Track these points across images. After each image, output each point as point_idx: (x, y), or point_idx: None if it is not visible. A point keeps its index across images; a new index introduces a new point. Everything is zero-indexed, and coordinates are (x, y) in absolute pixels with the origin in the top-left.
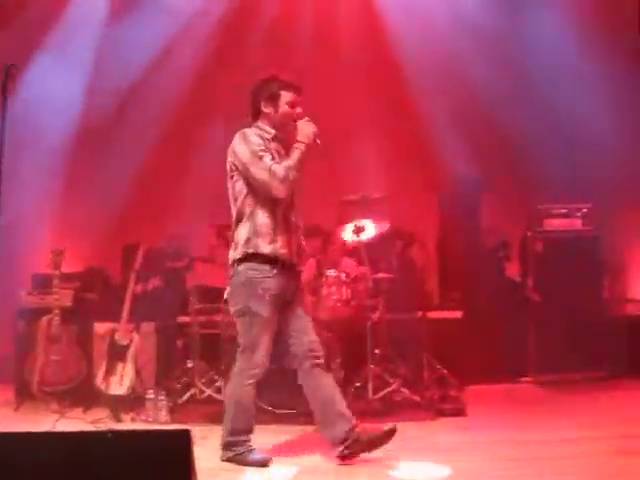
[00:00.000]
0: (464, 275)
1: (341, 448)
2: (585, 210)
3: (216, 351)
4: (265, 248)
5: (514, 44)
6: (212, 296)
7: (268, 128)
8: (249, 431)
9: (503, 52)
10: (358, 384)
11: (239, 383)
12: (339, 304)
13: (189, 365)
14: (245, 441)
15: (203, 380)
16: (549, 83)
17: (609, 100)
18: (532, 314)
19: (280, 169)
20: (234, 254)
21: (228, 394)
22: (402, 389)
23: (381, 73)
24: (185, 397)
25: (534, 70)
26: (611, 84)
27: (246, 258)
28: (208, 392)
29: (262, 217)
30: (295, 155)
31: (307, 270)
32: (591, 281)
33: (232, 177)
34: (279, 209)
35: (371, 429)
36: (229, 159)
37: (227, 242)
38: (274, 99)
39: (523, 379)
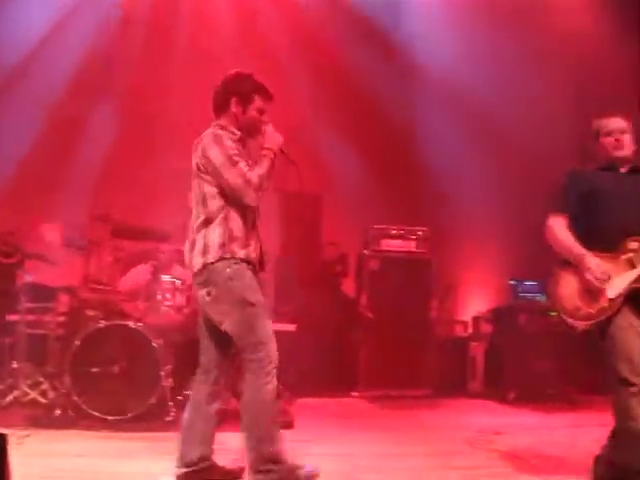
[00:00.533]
0: (300, 288)
1: (183, 470)
2: (420, 233)
3: (44, 352)
4: (240, 252)
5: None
6: (44, 295)
7: (234, 129)
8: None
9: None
10: (188, 392)
11: (262, 384)
12: (172, 310)
13: (14, 366)
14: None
15: (28, 382)
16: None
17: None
18: (364, 330)
19: (255, 177)
20: (204, 259)
21: (253, 403)
22: (232, 399)
23: None
24: (8, 399)
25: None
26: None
27: (220, 261)
28: (32, 395)
29: (236, 221)
30: (265, 163)
31: (141, 275)
32: (421, 302)
33: (199, 176)
34: (250, 213)
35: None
36: (196, 159)
37: (68, 242)
38: (246, 100)
39: (353, 393)
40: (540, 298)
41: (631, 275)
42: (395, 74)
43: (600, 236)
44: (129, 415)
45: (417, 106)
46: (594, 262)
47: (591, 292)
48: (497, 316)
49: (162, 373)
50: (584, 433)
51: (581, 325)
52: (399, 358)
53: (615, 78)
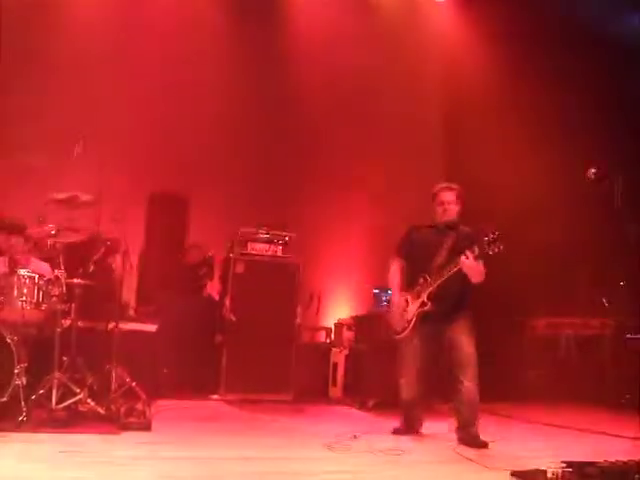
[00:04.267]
0: (163, 288)
1: None
2: (287, 238)
3: None
4: None
5: None
6: None
7: None
8: None
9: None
10: (42, 392)
11: None
12: (29, 306)
13: None
14: None
15: None
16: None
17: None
18: (227, 334)
19: None
20: None
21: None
22: (88, 400)
23: None
24: None
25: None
26: None
27: None
28: None
29: None
30: None
31: None
32: (286, 307)
33: None
34: None
35: None
36: None
37: None
38: None
39: (213, 396)
40: None
41: (417, 303)
42: (267, 71)
43: (411, 275)
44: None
45: (290, 108)
46: (398, 294)
47: (401, 315)
48: (359, 323)
49: (16, 370)
50: (442, 439)
51: (396, 337)
52: (261, 362)
53: None
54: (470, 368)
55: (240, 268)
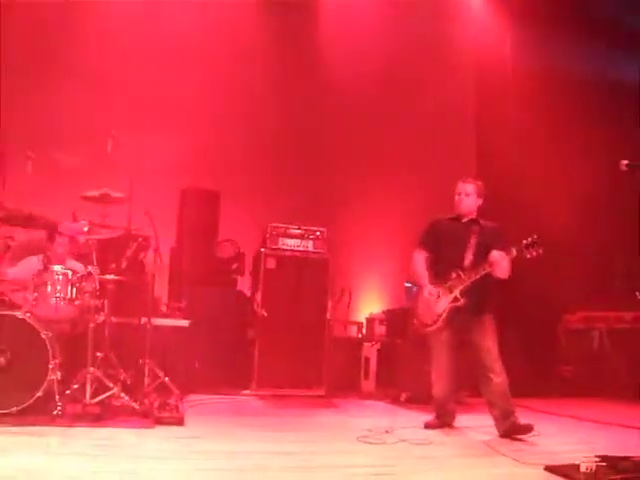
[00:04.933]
0: (195, 284)
1: None
2: (318, 233)
3: None
4: None
5: None
6: None
7: None
8: None
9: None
10: (76, 386)
11: None
12: (62, 302)
13: None
14: None
15: None
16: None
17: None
18: (258, 329)
19: None
20: None
21: None
22: (122, 395)
23: None
24: None
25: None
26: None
27: None
28: None
29: None
30: None
31: (32, 265)
32: (317, 302)
33: None
34: None
35: None
36: None
37: None
38: None
39: (245, 392)
40: None
41: (449, 298)
42: (298, 66)
43: (440, 268)
44: (15, 409)
45: (321, 104)
46: (429, 287)
47: (429, 308)
48: (391, 318)
49: (50, 366)
50: (474, 433)
51: (426, 330)
52: (293, 357)
53: None
54: (496, 363)
55: (271, 263)
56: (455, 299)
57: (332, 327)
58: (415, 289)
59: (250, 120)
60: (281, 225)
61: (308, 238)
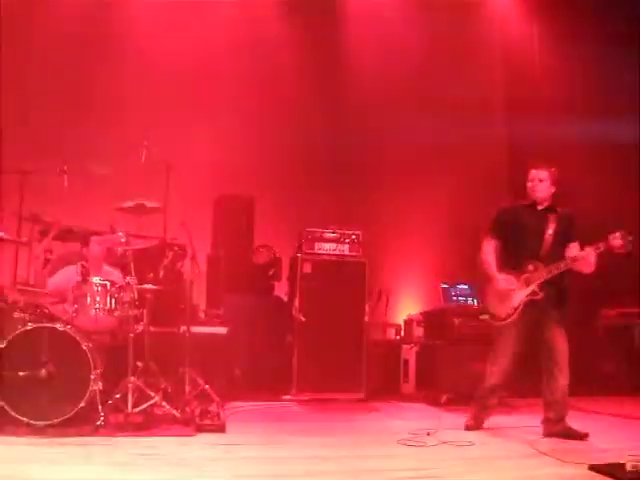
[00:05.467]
0: (232, 291)
1: None
2: (354, 237)
3: None
4: None
5: None
6: None
7: None
8: None
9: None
10: (117, 396)
11: None
12: (102, 313)
13: None
14: None
15: None
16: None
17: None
18: (296, 334)
19: None
20: None
21: None
22: (163, 403)
23: None
24: None
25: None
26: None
27: None
28: None
29: None
30: None
31: (70, 276)
32: (354, 305)
33: None
34: None
35: None
36: None
37: None
38: None
39: (285, 397)
40: (471, 301)
41: (526, 290)
42: (329, 74)
43: (513, 258)
44: (57, 420)
45: (352, 105)
46: (502, 277)
47: (502, 300)
48: (429, 319)
49: (92, 376)
50: (516, 433)
51: (499, 323)
52: (332, 361)
53: None
54: (566, 366)
55: (307, 268)
56: (533, 292)
57: (370, 330)
58: (455, 291)
59: (282, 125)
60: (317, 229)
61: (344, 242)
